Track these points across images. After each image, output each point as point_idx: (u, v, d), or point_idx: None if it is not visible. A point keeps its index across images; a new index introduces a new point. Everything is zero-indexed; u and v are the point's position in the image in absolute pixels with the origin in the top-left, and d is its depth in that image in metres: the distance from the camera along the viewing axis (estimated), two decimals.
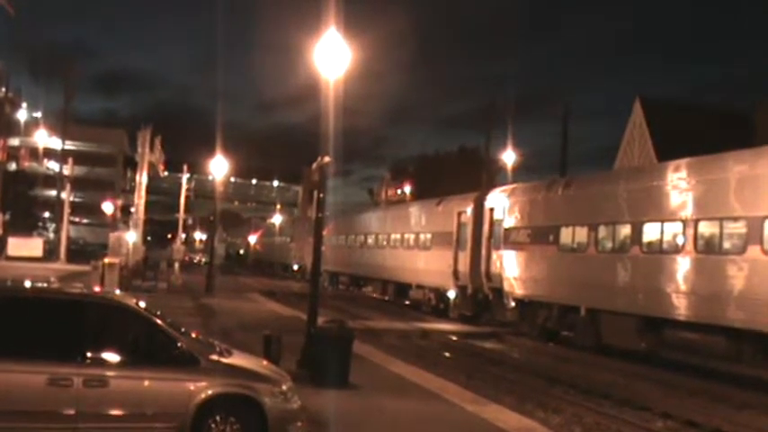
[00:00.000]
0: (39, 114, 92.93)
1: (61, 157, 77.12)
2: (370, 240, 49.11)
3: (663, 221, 22.78)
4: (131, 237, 50.36)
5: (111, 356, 9.82)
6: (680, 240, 21.98)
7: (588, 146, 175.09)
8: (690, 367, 22.85)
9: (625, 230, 24.36)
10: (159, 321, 10.35)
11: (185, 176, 72.61)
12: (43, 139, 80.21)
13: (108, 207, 78.91)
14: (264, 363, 11.99)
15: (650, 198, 23.48)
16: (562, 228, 27.67)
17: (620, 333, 24.22)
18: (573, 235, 27.12)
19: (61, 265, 61.20)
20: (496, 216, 32.52)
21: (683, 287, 21.59)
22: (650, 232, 23.37)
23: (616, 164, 53.48)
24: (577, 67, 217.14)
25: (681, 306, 21.60)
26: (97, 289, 15.74)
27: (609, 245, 25.31)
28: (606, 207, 25.43)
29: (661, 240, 22.88)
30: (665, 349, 23.46)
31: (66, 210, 72.92)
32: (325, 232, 26.43)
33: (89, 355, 9.70)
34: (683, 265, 21.66)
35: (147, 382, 9.85)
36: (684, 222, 21.78)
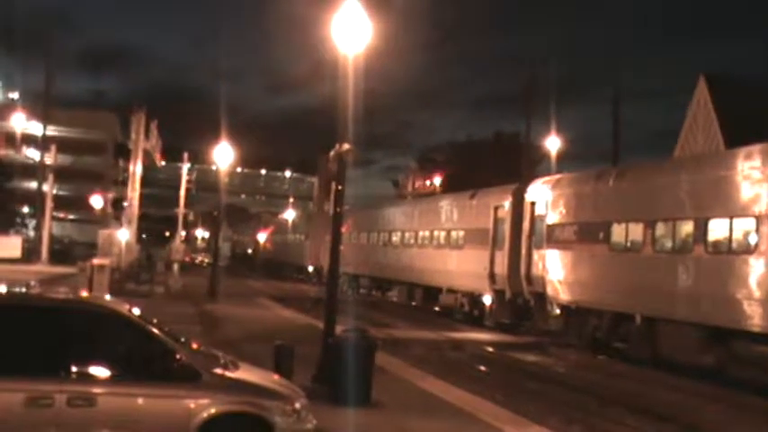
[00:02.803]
0: (15, 95, 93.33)
1: (42, 144, 77.37)
2: (395, 238, 49.08)
3: (732, 217, 22.53)
4: (124, 235, 50.58)
5: (100, 371, 9.77)
6: (752, 239, 21.74)
7: (643, 131, 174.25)
8: (766, 387, 22.59)
9: (687, 228, 24.15)
10: (155, 330, 10.32)
11: (185, 166, 72.97)
12: (21, 123, 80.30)
13: (97, 201, 79.11)
14: (275, 377, 11.96)
15: (717, 190, 23.25)
16: (614, 224, 27.50)
17: (681, 345, 24.02)
18: (626, 233, 26.95)
19: (43, 267, 61.46)
20: (538, 211, 32.41)
21: (756, 293, 21.33)
22: (717, 230, 23.14)
23: (676, 151, 53.12)
24: (629, 41, 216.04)
25: (754, 315, 21.34)
26: (84, 294, 15.74)
27: (668, 244, 25.12)
28: (665, 201, 25.23)
29: (730, 239, 22.64)
30: (736, 365, 23.16)
31: (49, 204, 73.09)
32: (343, 229, 26.36)
33: (74, 369, 9.66)
34: (756, 268, 21.41)
35: (140, 400, 9.81)
36: (758, 218, 21.52)
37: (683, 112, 54.14)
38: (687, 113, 53.72)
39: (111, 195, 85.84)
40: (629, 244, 26.82)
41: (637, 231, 26.32)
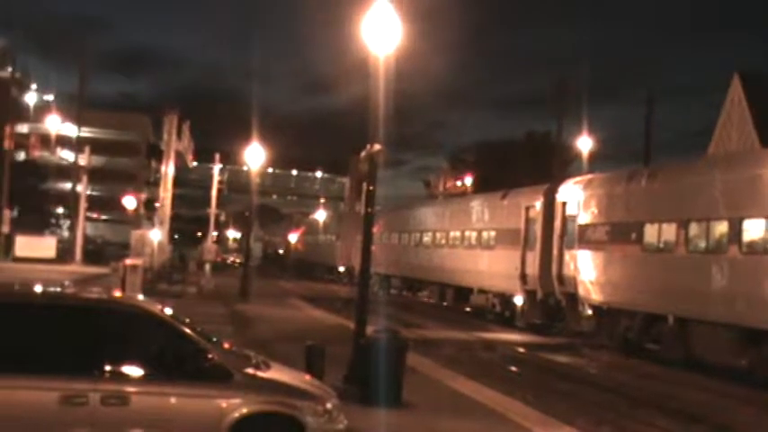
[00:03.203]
0: (50, 98, 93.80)
1: (76, 145, 77.86)
2: (426, 239, 49.07)
3: (767, 217, 22.37)
4: (156, 235, 50.87)
5: (133, 370, 9.85)
6: None
7: (676, 130, 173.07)
8: None
9: (721, 228, 23.99)
10: (187, 330, 10.38)
11: (217, 167, 73.15)
12: (55, 125, 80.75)
13: (130, 202, 79.64)
14: (307, 377, 12.00)
15: (752, 190, 23.07)
16: (646, 224, 27.36)
17: (714, 346, 23.88)
18: (659, 233, 26.80)
19: (77, 267, 61.91)
20: (570, 211, 32.31)
21: None
22: (752, 230, 22.96)
23: (710, 150, 52.76)
24: (662, 39, 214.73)
25: None
26: (117, 294, 15.86)
27: (702, 244, 24.95)
28: (698, 200, 25.08)
29: (765, 239, 22.46)
30: None
31: (83, 205, 73.62)
32: (375, 230, 26.39)
33: (107, 368, 9.73)
34: None
35: (173, 399, 9.87)
36: None
37: (716, 111, 53.80)
38: (721, 112, 53.33)
39: (143, 196, 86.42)
40: (661, 244, 26.66)
41: (669, 231, 26.16)
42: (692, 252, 25.13)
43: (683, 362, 25.24)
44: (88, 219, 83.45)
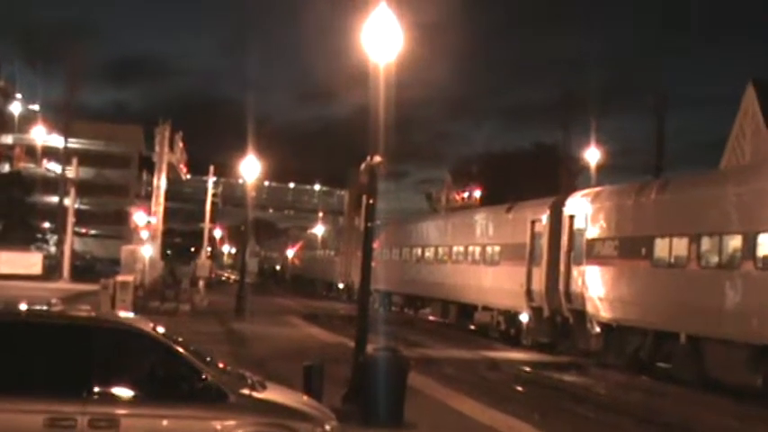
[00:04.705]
0: (36, 107, 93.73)
1: (64, 157, 77.94)
2: (429, 254, 49.03)
3: None
4: (148, 250, 50.83)
5: (123, 391, 9.83)
6: None
7: (687, 141, 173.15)
8: None
9: (734, 242, 23.98)
10: (180, 349, 10.37)
11: (211, 180, 73.21)
12: (42, 135, 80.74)
13: (140, 218, 78.73)
14: (304, 398, 11.97)
15: (767, 203, 23.06)
16: (657, 239, 27.35)
17: (728, 365, 23.82)
18: (670, 247, 26.78)
19: (64, 284, 61.92)
20: (577, 225, 32.29)
21: None
22: (766, 244, 22.95)
23: (722, 162, 52.75)
24: (674, 46, 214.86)
25: None
26: (107, 312, 15.86)
27: (714, 259, 24.94)
28: (711, 214, 25.07)
29: None
30: None
31: (71, 219, 73.56)
32: (375, 245, 26.36)
33: (96, 389, 9.71)
34: None
35: (165, 422, 9.85)
36: None
37: (730, 121, 53.79)
38: (734, 122, 53.31)
39: (136, 210, 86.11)
40: (672, 259, 26.64)
41: (681, 246, 26.14)
42: (705, 267, 25.11)
43: (695, 381, 25.18)
44: (76, 233, 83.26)
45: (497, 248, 39.51)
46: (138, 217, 76.22)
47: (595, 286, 30.26)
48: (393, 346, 17.84)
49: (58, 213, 78.29)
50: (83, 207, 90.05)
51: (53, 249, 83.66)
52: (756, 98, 51.33)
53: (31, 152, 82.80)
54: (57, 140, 79.89)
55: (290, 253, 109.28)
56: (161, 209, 54.34)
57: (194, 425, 9.90)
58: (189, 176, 76.91)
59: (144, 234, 56.88)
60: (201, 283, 52.49)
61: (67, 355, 9.94)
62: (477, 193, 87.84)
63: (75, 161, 76.06)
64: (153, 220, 55.41)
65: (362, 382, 16.32)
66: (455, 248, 45.09)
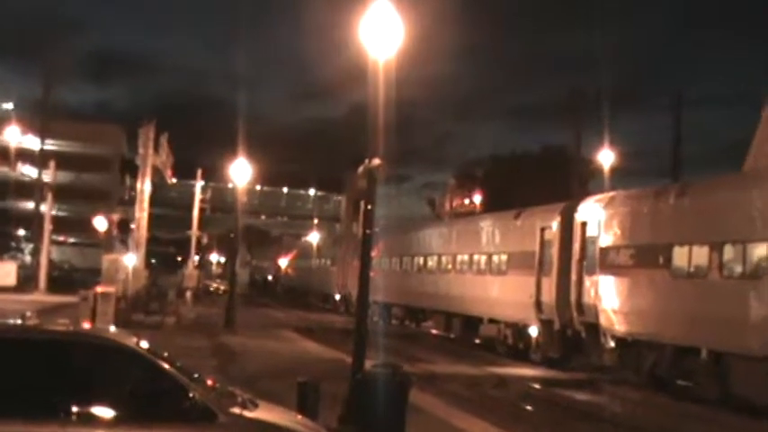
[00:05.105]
0: (10, 106, 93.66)
1: (40, 159, 77.84)
2: (431, 263, 49.05)
3: None
4: (131, 259, 50.85)
5: (104, 411, 9.75)
6: None
7: (708, 142, 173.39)
8: None
9: (760, 250, 23.98)
10: (166, 366, 10.32)
11: (199, 184, 73.47)
12: (16, 136, 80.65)
13: (100, 223, 78.80)
14: (298, 417, 11.95)
15: None
16: (675, 247, 27.33)
17: (754, 382, 23.78)
18: (689, 256, 26.75)
19: (41, 296, 61.93)
20: (590, 232, 32.29)
21: None
22: None
23: (747, 164, 52.72)
24: (692, 42, 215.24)
25: None
26: (87, 326, 15.82)
27: (738, 269, 24.91)
28: (733, 220, 25.05)
29: None
30: None
31: (47, 226, 73.53)
32: (374, 253, 26.33)
33: (75, 410, 9.64)
34: None
35: None
36: None
37: (753, 120, 53.77)
38: (760, 121, 53.27)
39: (116, 216, 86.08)
40: (692, 269, 26.60)
41: (702, 255, 26.11)
42: (728, 278, 25.07)
43: (718, 400, 25.16)
44: (53, 242, 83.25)
45: (504, 257, 39.50)
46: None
47: (609, 297, 30.23)
48: (393, 362, 17.81)
49: (33, 220, 78.17)
50: (60, 213, 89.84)
51: (28, 259, 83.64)
52: None
53: (4, 154, 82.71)
54: (32, 142, 79.73)
55: (284, 262, 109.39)
56: (145, 215, 54.23)
57: None
58: (175, 181, 76.87)
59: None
60: (188, 295, 52.60)
61: (44, 372, 9.87)
62: (478, 199, 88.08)
63: (52, 164, 75.96)
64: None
65: (360, 401, 16.28)
66: (459, 257, 45.09)
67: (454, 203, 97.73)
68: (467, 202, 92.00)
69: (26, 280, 71.15)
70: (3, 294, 56.93)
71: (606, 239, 31.06)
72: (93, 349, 10.38)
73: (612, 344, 30.15)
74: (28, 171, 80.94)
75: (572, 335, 33.49)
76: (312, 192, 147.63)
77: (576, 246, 33.10)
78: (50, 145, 79.58)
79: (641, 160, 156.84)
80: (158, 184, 63.68)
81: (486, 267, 41.56)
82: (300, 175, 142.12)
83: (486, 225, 43.42)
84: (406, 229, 60.14)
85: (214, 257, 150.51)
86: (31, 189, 79.80)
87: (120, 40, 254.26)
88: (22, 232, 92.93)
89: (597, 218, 31.93)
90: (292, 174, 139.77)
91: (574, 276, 32.96)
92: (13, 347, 10.15)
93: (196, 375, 10.76)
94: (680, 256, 27.14)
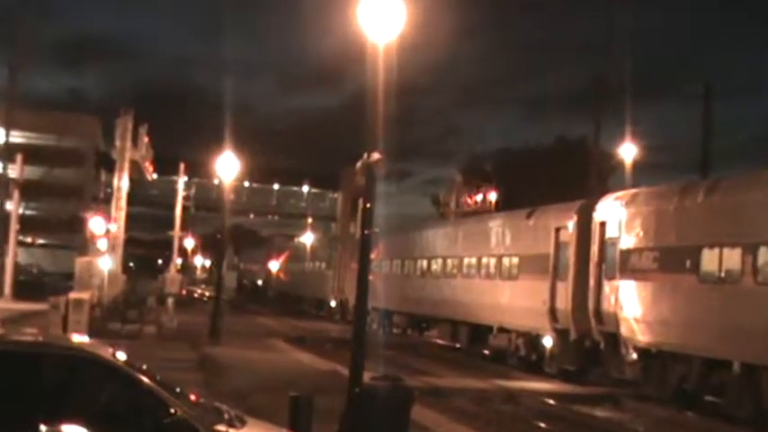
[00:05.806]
0: None
1: (6, 153, 77.76)
2: (436, 266, 49.09)
3: None
4: (107, 263, 50.86)
5: (77, 429, 9.73)
6: None
7: (740, 135, 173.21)
8: None
9: None
10: (145, 379, 10.30)
11: (182, 180, 73.46)
12: None
13: (97, 224, 77.83)
14: None
15: None
16: (704, 249, 27.28)
17: None
18: (720, 260, 26.70)
19: (6, 303, 61.95)
20: (610, 233, 32.29)
21: None
22: None
23: None
24: (723, 26, 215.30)
25: None
26: (58, 335, 15.83)
27: None
28: None
29: None
30: None
31: (14, 226, 73.55)
32: (373, 256, 26.32)
33: (43, 429, 9.61)
34: None
35: None
36: None
37: None
38: None
39: (92, 215, 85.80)
40: (723, 274, 26.56)
41: (733, 258, 26.07)
42: (762, 284, 25.04)
43: (751, 418, 25.15)
44: (21, 243, 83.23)
45: (516, 260, 39.51)
46: (96, 224, 75.60)
47: (631, 305, 30.22)
48: (394, 375, 17.80)
49: None
50: (29, 212, 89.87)
51: None
52: None
53: None
54: None
55: (275, 265, 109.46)
56: (123, 214, 54.37)
57: None
58: (155, 176, 76.91)
59: (102, 244, 56.87)
60: (170, 301, 52.58)
61: (10, 386, 9.84)
62: (493, 196, 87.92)
63: (19, 158, 75.92)
64: (113, 227, 55.38)
65: (358, 417, 16.29)
66: (466, 260, 45.11)
67: (461, 201, 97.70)
68: (479, 198, 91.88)
69: None
70: None
71: (628, 241, 31.03)
72: (65, 361, 10.35)
73: (635, 356, 30.14)
74: None
75: (590, 345, 33.50)
76: (306, 189, 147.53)
77: (595, 248, 33.09)
78: (17, 137, 79.43)
79: (666, 154, 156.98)
80: (137, 180, 63.82)
81: (495, 271, 41.57)
82: (293, 170, 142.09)
83: (496, 225, 43.44)
84: (407, 230, 60.13)
85: (198, 260, 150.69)
86: None
87: (95, 21, 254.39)
88: None
89: (618, 217, 31.90)
90: (284, 169, 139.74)
91: (592, 281, 32.96)
92: None
93: (178, 390, 10.74)
94: (709, 259, 27.08)
